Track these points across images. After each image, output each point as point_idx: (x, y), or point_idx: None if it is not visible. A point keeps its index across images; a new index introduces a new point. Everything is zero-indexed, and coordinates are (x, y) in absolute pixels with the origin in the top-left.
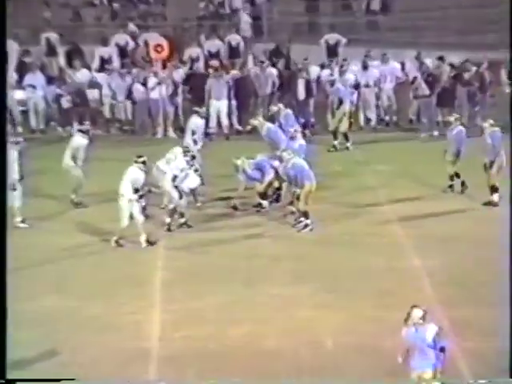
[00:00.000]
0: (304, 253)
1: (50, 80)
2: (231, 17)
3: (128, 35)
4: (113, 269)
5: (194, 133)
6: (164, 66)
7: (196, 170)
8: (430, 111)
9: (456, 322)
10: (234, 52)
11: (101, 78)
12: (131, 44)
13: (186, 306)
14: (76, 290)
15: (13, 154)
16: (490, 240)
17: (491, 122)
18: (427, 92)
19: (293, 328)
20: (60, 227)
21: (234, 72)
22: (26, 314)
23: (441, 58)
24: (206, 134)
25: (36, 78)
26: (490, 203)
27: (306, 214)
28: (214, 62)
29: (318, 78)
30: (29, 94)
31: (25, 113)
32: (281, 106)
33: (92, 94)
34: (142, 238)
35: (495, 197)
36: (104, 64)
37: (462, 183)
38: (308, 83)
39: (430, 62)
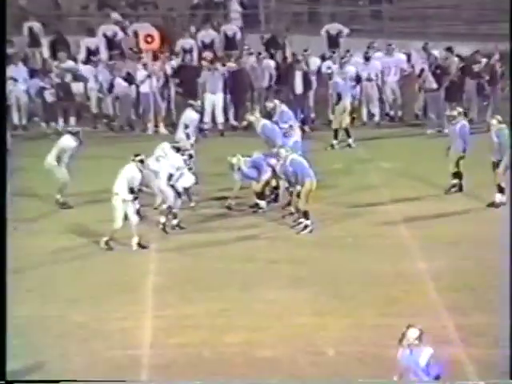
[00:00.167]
0: (303, 255)
1: (32, 73)
2: (226, 6)
3: (116, 25)
4: (102, 273)
5: (186, 127)
6: (155, 58)
7: (190, 168)
8: (437, 106)
9: (462, 328)
10: (230, 43)
11: (86, 70)
12: (120, 35)
13: (179, 311)
14: (62, 295)
15: None
16: (498, 242)
17: (499, 118)
18: (435, 85)
19: (291, 335)
20: (44, 229)
21: (231, 64)
22: (9, 321)
23: (449, 49)
24: (200, 130)
25: (18, 70)
26: (493, 204)
27: (306, 214)
28: (208, 54)
29: (319, 70)
30: (10, 87)
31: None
32: (277, 102)
33: (77, 87)
34: (134, 241)
35: (499, 197)
36: (90, 55)
37: (459, 185)
38: (305, 75)
39: (437, 53)
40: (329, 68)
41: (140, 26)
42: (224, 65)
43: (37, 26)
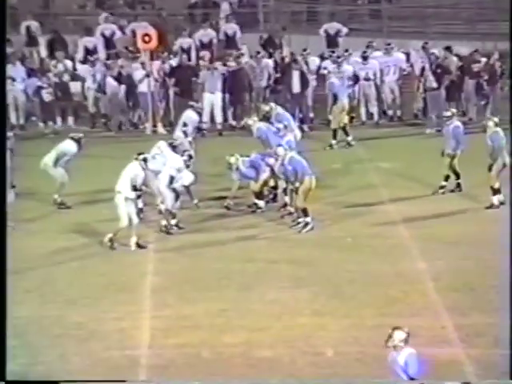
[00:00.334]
0: (302, 256)
1: (30, 72)
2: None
3: (113, 24)
4: (100, 273)
5: (185, 125)
6: (152, 57)
7: (187, 166)
8: (438, 105)
9: (462, 327)
10: (230, 42)
11: (84, 69)
12: (118, 34)
13: (178, 311)
14: (61, 296)
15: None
16: (497, 242)
17: (496, 120)
18: (435, 84)
19: (290, 335)
20: (42, 229)
21: (231, 64)
22: (9, 321)
23: (448, 49)
24: (199, 130)
25: (16, 69)
26: (491, 206)
27: (305, 212)
28: (205, 53)
29: (319, 69)
30: (8, 86)
31: None
32: (272, 105)
33: (75, 86)
34: (132, 241)
35: (495, 199)
36: (88, 55)
37: (458, 184)
38: (302, 75)
39: (437, 52)
40: (325, 68)
41: (138, 25)
42: (225, 64)
43: (34, 24)
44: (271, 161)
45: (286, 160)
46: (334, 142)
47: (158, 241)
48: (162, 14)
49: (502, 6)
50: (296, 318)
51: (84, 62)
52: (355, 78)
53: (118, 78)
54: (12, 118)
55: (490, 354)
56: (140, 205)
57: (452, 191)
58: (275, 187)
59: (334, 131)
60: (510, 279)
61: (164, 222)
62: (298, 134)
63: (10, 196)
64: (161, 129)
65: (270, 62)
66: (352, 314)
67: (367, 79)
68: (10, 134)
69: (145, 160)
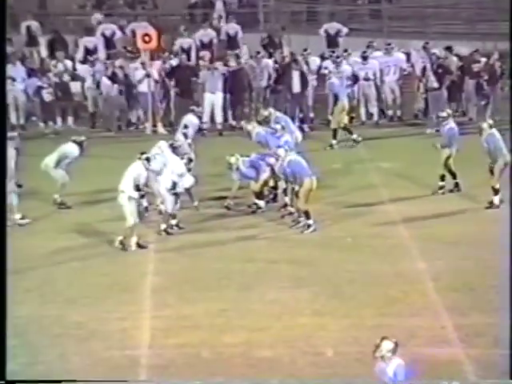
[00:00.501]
0: (302, 256)
1: (30, 72)
2: (226, 5)
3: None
4: (100, 273)
5: (186, 126)
6: (152, 57)
7: (189, 170)
8: (439, 105)
9: (462, 327)
10: (231, 42)
11: (84, 69)
12: (118, 34)
13: (178, 311)
14: (61, 295)
15: (10, 151)
16: (497, 242)
17: (490, 122)
18: (436, 84)
19: (290, 335)
20: (42, 229)
21: (232, 64)
22: (9, 321)
23: (448, 49)
24: (199, 130)
25: (16, 69)
26: (491, 206)
27: (307, 214)
28: (205, 53)
29: (319, 69)
30: (8, 87)
31: None
32: (271, 110)
33: (75, 86)
34: (133, 241)
35: (496, 199)
36: (88, 55)
37: (456, 184)
38: (303, 75)
39: (438, 52)
40: (325, 68)
41: (138, 25)
42: (226, 64)
43: (34, 24)
44: (271, 160)
45: (285, 163)
46: (334, 141)
47: (158, 241)
48: (167, 13)
49: (501, 5)
50: (296, 318)
51: (84, 61)
52: (354, 78)
53: (113, 78)
54: (12, 118)
55: (489, 354)
56: (145, 203)
57: (451, 191)
58: (275, 187)
59: (334, 131)
60: (510, 279)
61: (163, 226)
62: (299, 135)
63: (14, 197)
64: (161, 129)
65: (270, 62)
66: (352, 314)
67: (367, 79)
68: (15, 133)
69: (148, 160)
